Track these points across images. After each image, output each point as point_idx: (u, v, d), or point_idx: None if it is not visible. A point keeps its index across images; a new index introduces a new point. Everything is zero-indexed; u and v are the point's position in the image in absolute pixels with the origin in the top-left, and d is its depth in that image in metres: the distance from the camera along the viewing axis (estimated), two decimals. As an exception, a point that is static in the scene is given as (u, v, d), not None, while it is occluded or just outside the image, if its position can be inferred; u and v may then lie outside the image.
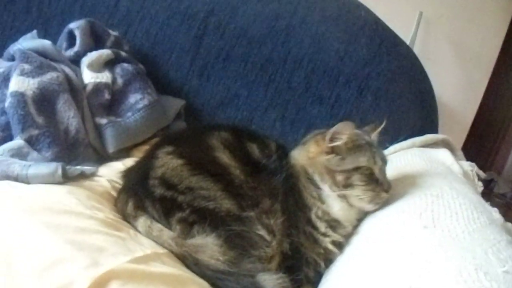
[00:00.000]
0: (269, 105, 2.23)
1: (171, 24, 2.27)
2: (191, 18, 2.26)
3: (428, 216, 1.41)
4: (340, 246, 1.48)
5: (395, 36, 2.31)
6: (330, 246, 1.47)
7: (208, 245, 1.29)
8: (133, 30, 2.32)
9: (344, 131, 1.45)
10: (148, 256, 1.20)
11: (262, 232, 1.37)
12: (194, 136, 1.64)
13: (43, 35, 2.11)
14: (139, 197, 1.41)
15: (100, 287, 1.05)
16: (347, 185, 1.45)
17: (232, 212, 1.35)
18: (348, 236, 1.55)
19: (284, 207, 1.44)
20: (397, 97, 2.27)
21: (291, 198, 1.47)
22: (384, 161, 1.51)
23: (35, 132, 1.72)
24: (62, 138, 1.79)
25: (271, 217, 1.39)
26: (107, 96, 1.99)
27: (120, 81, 2.05)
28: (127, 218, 1.40)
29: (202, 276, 1.25)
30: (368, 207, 1.49)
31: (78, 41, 2.06)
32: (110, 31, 2.16)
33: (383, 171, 1.49)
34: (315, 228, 1.47)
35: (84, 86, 1.97)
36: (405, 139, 2.17)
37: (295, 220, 1.45)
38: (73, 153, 1.80)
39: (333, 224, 1.49)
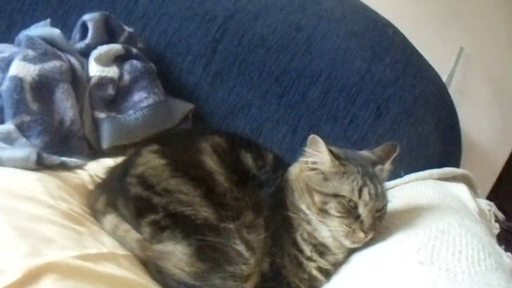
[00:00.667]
0: (281, 118, 2.09)
1: (189, 26, 2.15)
2: (209, 22, 2.15)
3: (428, 251, 1.23)
4: (327, 273, 1.36)
5: (423, 60, 2.18)
6: (315, 272, 1.35)
7: (175, 253, 1.20)
8: (150, 28, 2.20)
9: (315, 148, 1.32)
10: (101, 255, 1.11)
11: (240, 247, 1.24)
12: (184, 137, 1.54)
13: (61, 26, 2.04)
14: (113, 194, 1.33)
15: (32, 279, 0.94)
16: (323, 210, 1.31)
17: (210, 221, 1.25)
18: (338, 265, 1.40)
19: (269, 223, 1.32)
20: (418, 124, 2.09)
21: (278, 215, 1.35)
22: (378, 199, 1.33)
23: (27, 118, 1.66)
24: (55, 128, 1.73)
25: (252, 232, 1.28)
26: (110, 91, 1.91)
27: (127, 77, 1.96)
28: (95, 214, 1.33)
29: (164, 285, 1.18)
30: (346, 243, 1.33)
31: (90, 34, 1.99)
32: (125, 27, 2.07)
33: (370, 209, 1.31)
34: (300, 250, 1.35)
35: (89, 78, 1.90)
36: (423, 169, 1.99)
37: (279, 239, 1.33)
38: (66, 145, 1.73)
39: (321, 249, 1.36)
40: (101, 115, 1.86)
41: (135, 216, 1.27)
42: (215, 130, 1.67)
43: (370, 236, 1.30)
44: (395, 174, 1.89)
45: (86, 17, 2.01)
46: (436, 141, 2.14)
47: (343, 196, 1.30)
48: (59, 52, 1.84)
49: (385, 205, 1.38)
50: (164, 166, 1.31)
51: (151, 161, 1.33)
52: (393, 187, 1.92)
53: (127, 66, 1.97)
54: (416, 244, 1.27)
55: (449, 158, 2.17)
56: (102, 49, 1.95)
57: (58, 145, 1.68)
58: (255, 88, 2.11)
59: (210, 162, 1.33)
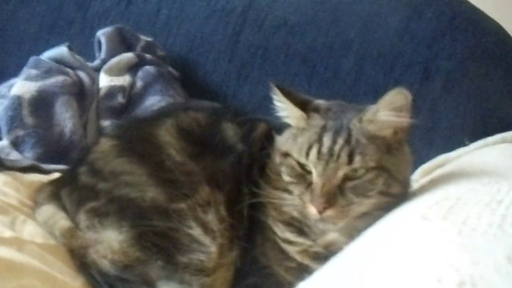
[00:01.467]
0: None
1: (209, 24, 1.98)
2: (229, 15, 1.96)
3: (444, 204, 0.83)
4: (318, 258, 1.03)
5: (474, 9, 1.80)
6: (299, 258, 1.05)
7: (106, 241, 1.04)
8: (173, 35, 2.04)
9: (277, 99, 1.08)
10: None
11: (195, 231, 1.04)
12: (151, 115, 1.36)
13: (85, 45, 2.01)
14: (59, 184, 1.21)
15: None
16: (279, 175, 1.06)
17: (158, 202, 1.06)
18: (335, 246, 1.03)
19: (235, 199, 1.08)
20: (479, 80, 1.68)
21: (248, 189, 1.10)
22: (338, 159, 0.98)
23: (21, 132, 1.62)
24: (54, 140, 1.66)
25: (209, 212, 1.06)
26: (120, 99, 1.80)
27: (139, 84, 1.85)
28: (35, 205, 1.21)
29: (89, 277, 1.03)
30: (312, 221, 1.04)
31: (104, 48, 1.91)
32: (142, 37, 1.98)
33: (320, 173, 0.98)
34: (273, 231, 1.07)
35: (98, 90, 1.82)
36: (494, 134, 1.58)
37: (254, 219, 1.09)
38: (66, 156, 1.65)
39: (298, 226, 1.07)
40: (106, 123, 1.74)
41: (75, 205, 1.12)
42: (201, 106, 1.38)
43: (329, 213, 0.97)
44: (458, 143, 1.55)
45: (100, 32, 1.94)
46: (505, 99, 1.72)
47: (291, 156, 1.02)
48: (66, 69, 1.80)
49: (365, 169, 0.99)
50: (111, 147, 1.16)
51: (102, 145, 1.18)
52: (454, 159, 1.53)
53: (140, 73, 1.86)
54: (432, 200, 0.88)
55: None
56: (113, 60, 1.87)
57: (55, 157, 1.61)
58: (281, 73, 1.85)
59: (165, 135, 1.13)
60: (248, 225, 1.08)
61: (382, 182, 1.00)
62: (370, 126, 1.00)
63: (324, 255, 1.01)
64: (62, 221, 1.11)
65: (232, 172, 1.10)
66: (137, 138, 1.15)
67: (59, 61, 1.80)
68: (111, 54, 1.88)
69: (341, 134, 1.00)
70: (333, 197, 0.97)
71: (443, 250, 0.67)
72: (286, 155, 1.04)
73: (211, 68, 1.95)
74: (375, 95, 1.70)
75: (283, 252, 1.04)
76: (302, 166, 1.01)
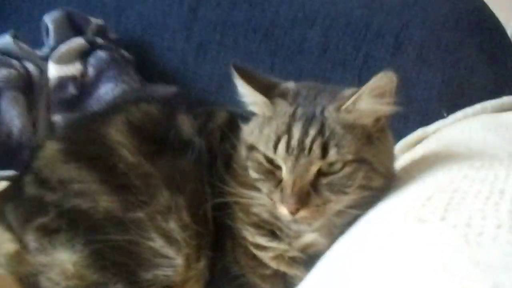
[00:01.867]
0: (278, 77, 1.52)
1: (163, 1, 1.84)
2: None
3: (440, 200, 0.67)
4: (295, 263, 0.90)
5: None
6: (274, 264, 0.90)
7: (58, 265, 0.87)
8: (125, 16, 1.89)
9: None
10: None
11: (158, 243, 0.88)
12: (98, 113, 1.13)
13: (33, 32, 1.85)
14: (4, 198, 0.99)
15: None
16: (244, 168, 0.91)
17: (112, 213, 0.89)
18: (313, 248, 0.89)
19: (199, 201, 0.92)
20: (454, 49, 1.54)
21: (214, 188, 0.93)
22: (310, 153, 0.83)
23: None
24: (1, 142, 1.53)
25: (171, 219, 0.89)
26: (72, 90, 1.67)
27: (91, 72, 1.71)
28: None
29: None
30: (284, 222, 0.89)
31: (51, 34, 1.75)
32: (92, 19, 1.82)
33: (290, 169, 0.83)
34: (242, 237, 0.92)
35: (48, 82, 1.68)
36: (472, 104, 1.44)
37: (221, 223, 0.93)
38: (15, 159, 1.50)
39: (268, 228, 0.92)
40: (58, 117, 1.62)
41: (22, 223, 0.93)
42: (154, 96, 1.19)
43: (302, 214, 0.83)
44: (435, 115, 1.42)
45: (46, 18, 1.78)
46: (482, 67, 1.59)
47: (257, 149, 0.88)
48: (11, 60, 1.66)
49: (342, 163, 0.84)
50: (57, 152, 0.97)
51: (47, 149, 0.99)
52: (434, 133, 1.40)
53: (92, 60, 1.72)
54: (424, 194, 0.72)
55: (505, 85, 1.58)
56: (62, 47, 1.72)
57: (3, 160, 1.47)
58: (242, 50, 1.71)
59: (115, 134, 0.95)
60: (214, 230, 0.92)
61: (361, 175, 0.84)
62: (348, 116, 0.86)
63: (302, 260, 0.88)
64: (8, 244, 0.92)
65: (193, 170, 0.93)
66: (84, 140, 0.98)
67: (2, 51, 1.66)
68: (60, 41, 1.73)
69: (313, 123, 0.84)
70: (306, 196, 0.82)
71: (455, 272, 0.51)
72: (252, 148, 0.89)
73: (167, 48, 1.81)
74: (343, 69, 1.57)
75: (256, 258, 0.91)
76: (270, 161, 0.87)
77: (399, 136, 1.37)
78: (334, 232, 0.87)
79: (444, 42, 1.56)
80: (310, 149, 0.82)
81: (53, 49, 1.72)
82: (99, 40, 1.74)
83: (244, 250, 0.91)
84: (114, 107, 1.09)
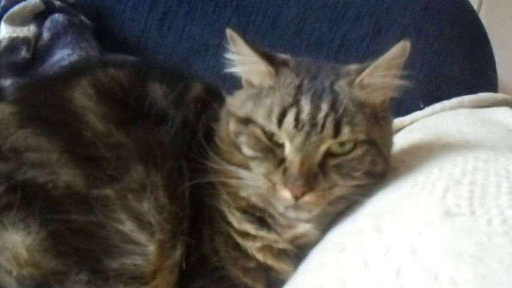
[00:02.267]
0: None
1: None
2: None
3: (461, 193, 0.55)
4: (282, 256, 0.79)
5: None
6: (260, 256, 0.78)
7: (10, 249, 0.71)
8: None
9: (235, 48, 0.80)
10: None
11: (127, 225, 0.75)
12: (65, 74, 0.97)
13: None
14: None
15: None
16: (237, 147, 0.79)
17: (74, 188, 0.75)
18: (304, 240, 0.78)
19: (178, 180, 0.79)
20: (434, 39, 1.48)
21: (195, 165, 0.79)
22: (323, 129, 0.73)
23: None
24: None
25: (144, 198, 0.76)
26: (24, 53, 1.49)
27: (46, 35, 1.54)
28: None
29: None
30: (279, 208, 0.76)
31: None
32: None
33: (299, 147, 0.73)
34: (228, 222, 0.80)
35: None
36: (449, 98, 1.41)
37: (201, 206, 0.81)
38: None
39: (258, 215, 0.80)
40: (7, 82, 1.42)
41: None
42: (119, 62, 1.05)
43: (307, 198, 0.72)
44: (412, 107, 1.40)
45: None
46: (461, 60, 1.51)
47: (254, 123, 0.77)
48: None
49: (353, 143, 0.75)
50: (12, 115, 0.81)
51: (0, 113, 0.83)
52: (410, 123, 1.36)
53: (47, 23, 1.56)
54: (442, 183, 0.63)
55: (483, 81, 1.54)
56: (16, 7, 1.55)
57: None
58: (211, 25, 1.57)
59: (82, 98, 0.82)
60: (191, 213, 0.80)
61: (369, 159, 0.75)
62: (361, 92, 0.77)
63: (292, 253, 0.77)
64: None
65: (171, 144, 0.80)
66: (44, 102, 0.83)
67: None
68: (14, 0, 1.56)
69: (324, 98, 0.75)
70: (314, 178, 0.72)
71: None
72: (247, 121, 0.77)
73: (130, 17, 1.63)
74: (319, 49, 1.46)
75: (239, 248, 0.79)
76: (270, 136, 0.75)
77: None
78: (325, 222, 0.76)
79: (424, 31, 1.49)
80: (323, 125, 0.72)
81: (5, 8, 1.54)
82: (57, 3, 1.58)
83: (225, 238, 0.79)
84: (78, 69, 0.95)
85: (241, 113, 0.78)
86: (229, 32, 0.78)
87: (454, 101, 1.42)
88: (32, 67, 1.49)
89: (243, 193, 0.79)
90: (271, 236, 0.78)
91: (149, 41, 1.62)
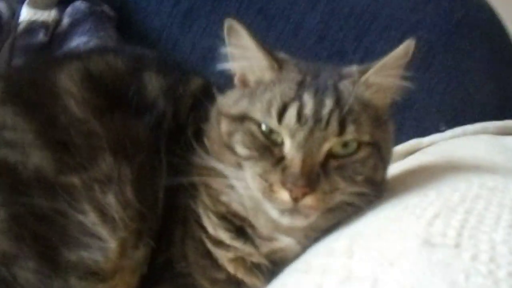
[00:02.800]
0: None
1: None
2: None
3: (452, 221, 0.49)
4: (254, 271, 0.73)
5: None
6: (231, 268, 0.73)
7: None
8: None
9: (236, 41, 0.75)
10: None
11: (90, 218, 0.72)
12: (61, 56, 1.02)
13: None
14: None
15: None
16: (230, 148, 0.73)
17: (43, 173, 0.72)
18: (281, 256, 0.73)
19: (148, 176, 0.75)
20: (462, 59, 1.41)
21: (173, 162, 0.76)
22: (327, 127, 0.69)
23: None
24: None
25: (110, 191, 0.72)
26: (42, 37, 1.48)
27: (66, 21, 1.52)
28: None
29: None
30: (272, 213, 0.70)
31: None
32: None
33: (301, 144, 0.68)
34: (202, 227, 0.75)
35: (17, 25, 1.50)
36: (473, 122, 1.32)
37: (173, 206, 0.76)
38: None
39: (238, 224, 0.75)
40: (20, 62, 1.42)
41: None
42: (122, 50, 1.01)
43: (308, 201, 0.66)
44: (432, 128, 1.31)
45: None
46: (489, 82, 1.44)
47: (251, 119, 0.72)
48: None
49: (357, 144, 0.71)
50: None
51: None
52: (429, 145, 1.27)
53: (69, 9, 1.54)
54: (433, 210, 0.55)
55: (506, 105, 1.45)
56: None
57: None
58: None
59: (66, 80, 0.79)
60: (163, 214, 0.76)
61: (372, 163, 0.71)
62: (366, 91, 0.74)
63: (266, 268, 0.72)
64: None
65: (149, 138, 0.76)
66: (27, 81, 0.81)
67: None
68: None
69: (328, 94, 0.71)
70: (315, 178, 0.67)
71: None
72: (242, 118, 0.73)
73: (154, 10, 1.60)
74: (341, 60, 1.40)
75: (209, 257, 0.74)
76: (267, 134, 0.71)
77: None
78: (311, 237, 0.71)
79: (452, 49, 1.42)
80: (328, 121, 0.68)
81: None
82: None
83: (196, 244, 0.74)
84: (76, 54, 0.95)
85: (235, 111, 0.74)
86: (229, 23, 0.74)
87: (478, 126, 1.33)
88: (47, 52, 1.47)
89: (224, 198, 0.74)
90: (246, 248, 0.73)
91: (169, 37, 1.58)
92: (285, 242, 0.72)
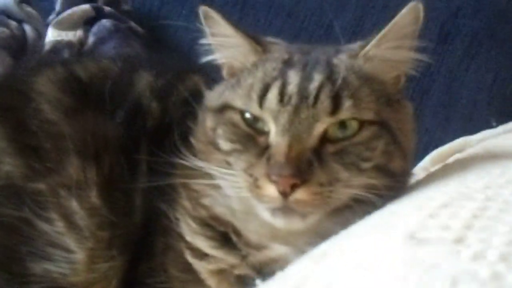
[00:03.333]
0: None
1: None
2: None
3: (461, 212, 0.40)
4: (244, 284, 0.63)
5: None
6: (212, 282, 0.65)
7: None
8: None
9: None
10: None
11: (57, 226, 0.68)
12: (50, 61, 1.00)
13: None
14: None
15: None
16: (214, 145, 0.66)
17: (12, 179, 0.70)
18: (277, 265, 0.61)
19: (118, 178, 0.70)
20: (510, 46, 1.30)
21: (153, 164, 0.68)
22: (317, 103, 0.60)
23: None
24: None
25: (76, 196, 0.68)
26: (66, 56, 1.48)
27: (91, 39, 1.55)
28: None
29: None
30: (264, 214, 0.61)
31: (59, 0, 1.60)
32: None
33: (286, 127, 0.59)
34: (180, 235, 0.68)
35: (43, 46, 1.54)
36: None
37: (153, 213, 0.70)
38: None
39: (221, 231, 0.67)
40: None
41: None
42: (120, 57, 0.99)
43: (300, 195, 0.56)
44: (482, 124, 1.23)
45: None
46: None
47: (232, 108, 0.65)
48: (10, 21, 1.52)
49: (358, 123, 0.61)
50: None
51: None
52: (479, 142, 1.17)
53: (94, 28, 1.57)
54: (430, 206, 0.47)
55: None
56: (65, 12, 1.57)
57: None
58: (263, 30, 1.44)
59: (43, 83, 0.76)
60: (143, 223, 0.70)
61: (382, 147, 0.61)
62: (367, 64, 0.65)
63: (252, 281, 0.61)
64: None
65: (120, 138, 0.72)
66: (4, 86, 0.81)
67: (4, 12, 1.53)
68: (67, 7, 1.58)
69: (318, 68, 0.63)
70: (306, 166, 0.57)
71: None
72: (223, 108, 0.67)
73: (182, 27, 1.58)
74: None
75: (189, 269, 0.67)
76: (251, 122, 0.63)
77: (437, 144, 1.19)
78: (314, 244, 0.61)
79: (499, 36, 1.32)
80: (316, 98, 0.60)
81: (58, 14, 1.58)
82: (107, 9, 1.59)
83: (176, 256, 0.68)
84: (69, 59, 0.92)
85: (217, 102, 0.68)
86: (203, 10, 0.69)
87: (534, 121, 1.22)
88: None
89: (206, 201, 0.67)
90: (230, 258, 0.65)
91: (199, 49, 1.56)
92: (278, 251, 0.63)
